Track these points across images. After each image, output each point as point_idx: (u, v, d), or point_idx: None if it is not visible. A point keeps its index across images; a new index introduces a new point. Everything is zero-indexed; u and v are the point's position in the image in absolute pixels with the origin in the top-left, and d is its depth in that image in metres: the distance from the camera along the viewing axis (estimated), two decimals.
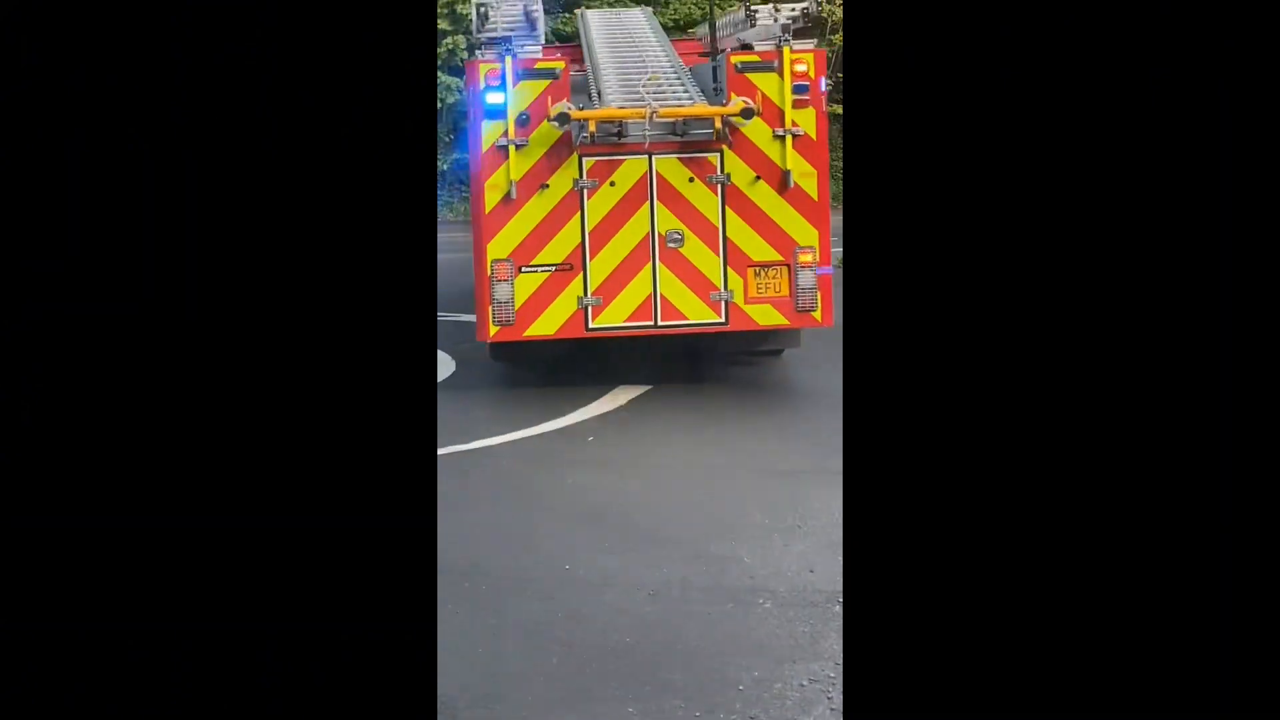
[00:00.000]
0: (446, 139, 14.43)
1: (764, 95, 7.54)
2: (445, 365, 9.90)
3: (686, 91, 7.87)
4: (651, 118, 7.37)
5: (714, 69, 8.24)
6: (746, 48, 8.17)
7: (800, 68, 7.52)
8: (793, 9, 8.40)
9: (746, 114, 7.46)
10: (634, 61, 8.58)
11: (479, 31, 8.06)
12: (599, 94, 7.96)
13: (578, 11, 11.85)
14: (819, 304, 7.65)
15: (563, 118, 7.39)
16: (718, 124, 7.51)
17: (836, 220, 7.13)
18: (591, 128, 7.45)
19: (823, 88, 7.62)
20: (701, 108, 7.59)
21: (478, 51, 8.22)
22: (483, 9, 8.05)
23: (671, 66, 8.51)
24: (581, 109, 7.60)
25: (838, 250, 7.78)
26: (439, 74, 13.52)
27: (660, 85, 7.91)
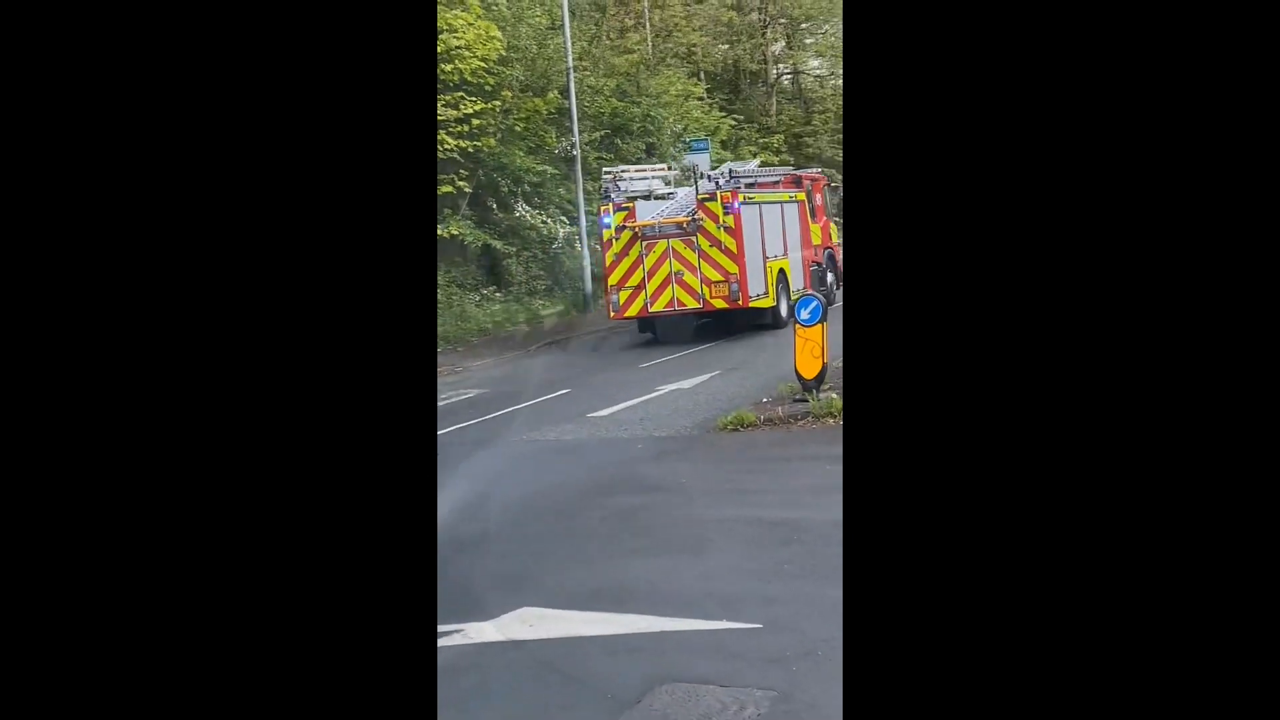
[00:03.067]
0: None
1: (710, 210, 18.83)
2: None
3: (679, 212, 19.37)
4: (658, 223, 19.02)
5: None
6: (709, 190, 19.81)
7: (727, 200, 18.76)
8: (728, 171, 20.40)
9: (694, 220, 18.83)
10: (659, 202, 20.38)
11: (614, 194, 19.58)
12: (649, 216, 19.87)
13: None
14: (741, 298, 18.75)
15: (622, 228, 19.21)
16: (686, 223, 19.06)
17: None
18: (636, 230, 19.12)
19: (737, 204, 18.94)
20: (678, 219, 19.04)
21: (603, 199, 20.25)
22: (614, 181, 19.87)
23: (677, 202, 19.78)
24: (635, 223, 19.25)
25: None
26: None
27: (670, 210, 19.46)
